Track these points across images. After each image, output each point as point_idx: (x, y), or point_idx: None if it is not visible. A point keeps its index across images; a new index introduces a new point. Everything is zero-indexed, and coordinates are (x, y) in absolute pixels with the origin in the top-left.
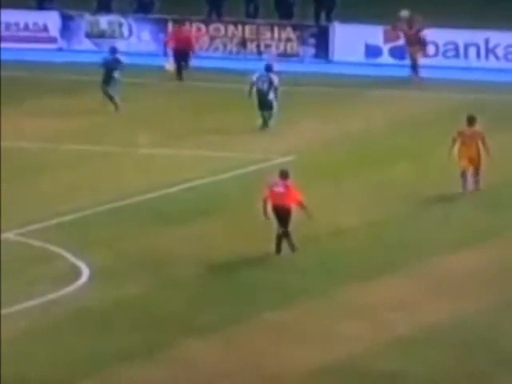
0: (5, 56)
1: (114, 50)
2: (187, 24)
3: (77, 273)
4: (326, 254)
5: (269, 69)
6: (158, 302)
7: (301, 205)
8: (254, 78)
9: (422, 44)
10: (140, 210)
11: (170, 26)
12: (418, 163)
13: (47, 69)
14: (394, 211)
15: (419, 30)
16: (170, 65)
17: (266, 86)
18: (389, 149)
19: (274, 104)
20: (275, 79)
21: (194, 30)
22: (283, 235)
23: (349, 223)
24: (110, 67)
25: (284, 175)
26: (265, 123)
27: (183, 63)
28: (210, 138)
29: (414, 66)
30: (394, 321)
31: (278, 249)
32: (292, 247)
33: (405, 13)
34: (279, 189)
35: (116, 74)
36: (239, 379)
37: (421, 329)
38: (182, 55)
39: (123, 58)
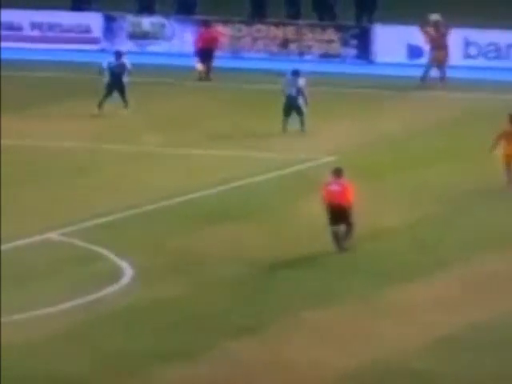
0: (48, 56)
1: (119, 55)
2: (229, 25)
3: (119, 273)
4: (365, 255)
5: (296, 73)
6: (199, 302)
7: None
8: (283, 84)
9: (447, 49)
10: (181, 211)
11: (213, 26)
12: (458, 164)
13: (90, 70)
14: (433, 212)
15: (445, 35)
16: (200, 65)
17: (294, 92)
18: (430, 150)
19: (304, 109)
20: (301, 82)
21: (236, 31)
22: (340, 234)
23: (389, 224)
24: (117, 72)
25: (338, 173)
26: (301, 124)
27: (210, 63)
28: (252, 139)
29: (428, 69)
30: (432, 321)
31: (338, 244)
32: (342, 246)
33: (435, 16)
34: (334, 187)
35: (125, 79)
36: (278, 379)
37: (460, 329)
38: (209, 56)
39: (129, 62)
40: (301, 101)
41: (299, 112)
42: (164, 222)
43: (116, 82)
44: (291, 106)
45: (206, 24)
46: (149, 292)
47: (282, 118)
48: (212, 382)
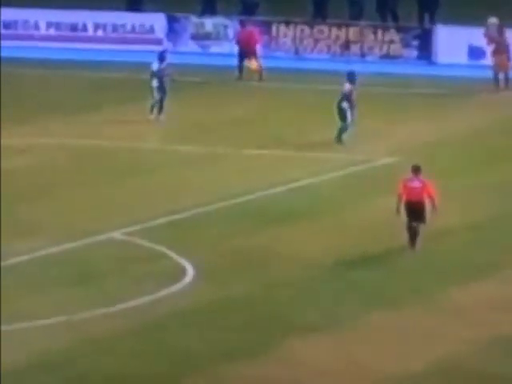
0: (112, 57)
1: (163, 57)
2: (291, 26)
3: (182, 272)
4: (430, 255)
5: (349, 75)
6: (262, 301)
7: (433, 201)
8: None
9: (508, 52)
10: (244, 211)
11: (275, 27)
12: None
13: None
14: (496, 212)
15: (508, 38)
16: (253, 63)
17: (341, 94)
18: (492, 150)
19: (348, 115)
20: (347, 87)
21: (298, 32)
22: (416, 231)
23: (452, 224)
24: (161, 75)
25: (417, 170)
26: (338, 135)
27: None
28: (314, 139)
29: (495, 72)
30: (496, 321)
31: (413, 242)
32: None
33: (493, 20)
34: (415, 184)
35: (166, 82)
36: (342, 379)
37: None
38: (246, 55)
39: (170, 66)
40: (344, 105)
41: (342, 117)
42: (226, 222)
43: (162, 86)
44: (337, 109)
45: (243, 24)
46: (211, 291)
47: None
48: (277, 381)
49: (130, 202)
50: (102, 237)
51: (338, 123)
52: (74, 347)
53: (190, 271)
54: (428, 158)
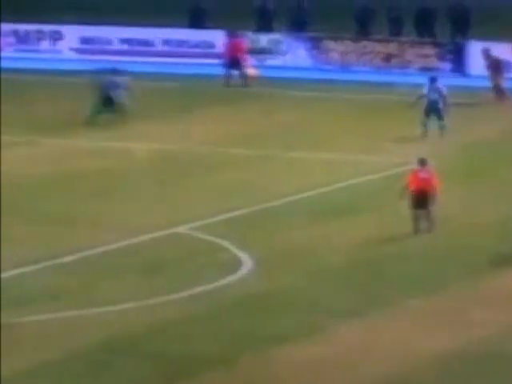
0: (179, 70)
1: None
2: (338, 41)
3: (239, 263)
4: (462, 247)
5: (434, 80)
6: (311, 289)
7: (435, 191)
8: (425, 90)
9: (502, 67)
10: (295, 208)
11: (324, 43)
12: None
13: (214, 81)
14: None
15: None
16: (252, 71)
17: (436, 96)
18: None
19: (444, 114)
20: (444, 89)
21: (344, 46)
22: (426, 215)
23: (484, 219)
24: (105, 87)
25: (423, 162)
26: (440, 128)
27: (236, 71)
28: (360, 144)
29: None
30: None
31: (417, 229)
32: (432, 227)
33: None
34: (424, 175)
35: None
36: (381, 361)
37: None
38: (234, 64)
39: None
40: (441, 105)
41: (439, 116)
42: (280, 219)
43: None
44: (432, 110)
45: (232, 35)
46: (267, 280)
47: (422, 119)
48: (322, 360)
49: (193, 200)
50: (169, 231)
51: (427, 119)
52: (143, 331)
53: (248, 263)
54: (460, 161)
